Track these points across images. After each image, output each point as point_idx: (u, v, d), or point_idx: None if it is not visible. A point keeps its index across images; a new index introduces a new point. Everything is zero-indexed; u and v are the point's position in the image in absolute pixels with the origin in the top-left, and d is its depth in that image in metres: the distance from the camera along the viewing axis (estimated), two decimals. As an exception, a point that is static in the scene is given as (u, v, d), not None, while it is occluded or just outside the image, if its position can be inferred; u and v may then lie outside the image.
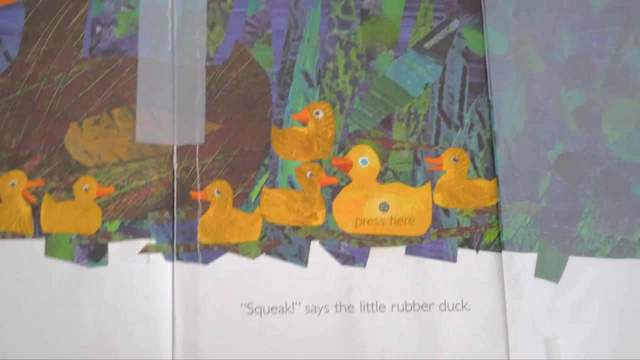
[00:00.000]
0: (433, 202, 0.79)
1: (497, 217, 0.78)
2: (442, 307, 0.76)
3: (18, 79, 0.80)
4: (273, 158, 0.79)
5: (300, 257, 0.77)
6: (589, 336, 0.75)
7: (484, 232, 0.78)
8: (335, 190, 0.79)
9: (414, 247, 0.78)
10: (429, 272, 0.77)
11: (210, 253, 0.77)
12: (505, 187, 0.78)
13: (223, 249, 0.77)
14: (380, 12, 0.82)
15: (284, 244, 0.77)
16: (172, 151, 0.79)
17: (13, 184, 0.78)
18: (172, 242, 0.77)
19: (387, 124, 0.80)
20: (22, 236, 0.77)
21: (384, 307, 0.76)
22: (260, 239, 0.77)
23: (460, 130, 0.80)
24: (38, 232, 0.77)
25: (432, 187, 0.79)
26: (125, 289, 0.76)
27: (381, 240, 0.78)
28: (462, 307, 0.76)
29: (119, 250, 0.77)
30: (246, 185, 0.78)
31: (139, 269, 0.76)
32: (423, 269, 0.77)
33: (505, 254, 0.77)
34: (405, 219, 0.78)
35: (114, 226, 0.77)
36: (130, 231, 0.77)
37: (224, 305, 0.75)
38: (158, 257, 0.76)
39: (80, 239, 0.77)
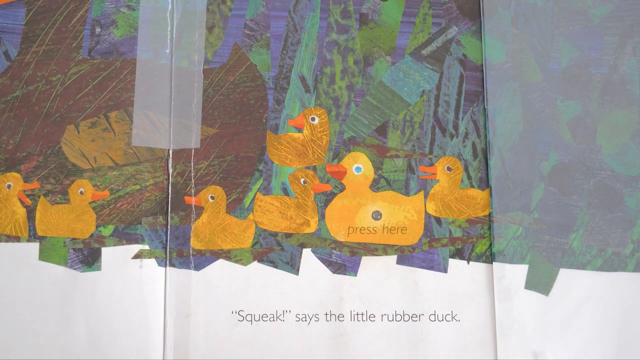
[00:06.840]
0: (426, 211, 0.79)
1: (489, 228, 0.78)
2: (432, 317, 0.76)
3: (17, 79, 0.80)
4: (267, 164, 0.79)
5: (292, 265, 0.77)
6: (578, 351, 0.75)
7: (475, 242, 0.78)
8: (328, 198, 0.79)
9: (406, 256, 0.77)
10: (420, 282, 0.77)
11: (202, 259, 0.77)
12: (498, 198, 0.78)
13: (215, 255, 0.77)
14: (379, 17, 0.82)
15: (276, 251, 0.77)
16: (168, 155, 0.79)
17: (9, 186, 0.78)
18: (165, 247, 0.77)
19: (382, 131, 0.80)
20: (17, 239, 0.77)
21: (374, 316, 0.76)
22: (253, 245, 0.77)
23: (455, 139, 0.80)
24: (33, 235, 0.77)
25: (425, 196, 0.79)
26: (117, 294, 0.76)
27: (373, 249, 0.78)
28: (452, 318, 0.76)
29: (113, 255, 0.77)
30: (240, 191, 0.78)
31: (131, 274, 0.76)
32: (414, 279, 0.77)
33: (496, 265, 0.76)
34: (398, 227, 0.78)
35: (108, 231, 0.77)
36: (124, 236, 0.77)
37: (215, 312, 0.76)
38: (151, 263, 0.76)
39: (74, 242, 0.77)
